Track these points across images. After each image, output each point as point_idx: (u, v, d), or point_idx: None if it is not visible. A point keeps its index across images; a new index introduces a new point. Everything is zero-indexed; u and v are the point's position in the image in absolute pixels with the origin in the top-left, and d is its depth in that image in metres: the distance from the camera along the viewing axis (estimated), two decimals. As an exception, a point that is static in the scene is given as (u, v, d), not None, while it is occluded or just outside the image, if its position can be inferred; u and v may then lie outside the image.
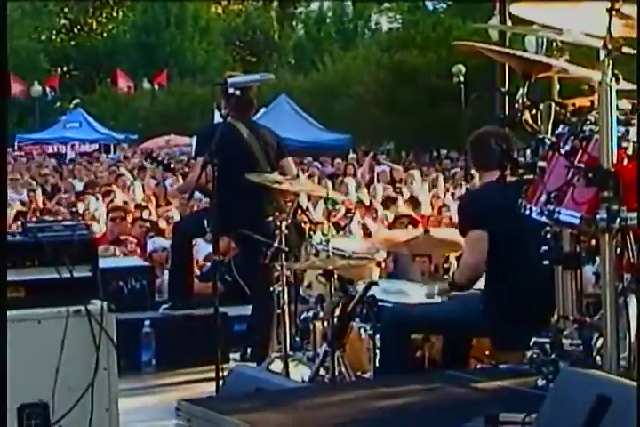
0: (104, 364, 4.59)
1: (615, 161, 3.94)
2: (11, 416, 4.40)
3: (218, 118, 8.32)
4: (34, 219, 11.95)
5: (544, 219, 4.16)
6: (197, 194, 8.80)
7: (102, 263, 4.92)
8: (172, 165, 8.71)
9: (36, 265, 4.63)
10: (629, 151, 3.97)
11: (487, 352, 5.62)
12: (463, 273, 5.61)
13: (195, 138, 10.56)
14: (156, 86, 51.98)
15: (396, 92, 35.84)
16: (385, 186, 16.70)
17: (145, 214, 12.89)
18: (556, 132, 4.27)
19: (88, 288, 4.70)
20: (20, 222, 9.39)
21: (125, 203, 14.18)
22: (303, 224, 7.63)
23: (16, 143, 39.26)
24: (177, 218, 11.42)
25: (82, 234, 4.79)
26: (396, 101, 35.44)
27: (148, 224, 11.66)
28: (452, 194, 15.74)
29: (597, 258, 4.28)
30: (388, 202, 13.76)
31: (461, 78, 29.42)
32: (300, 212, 7.39)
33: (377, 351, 5.81)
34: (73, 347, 4.56)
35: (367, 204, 13.69)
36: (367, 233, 10.73)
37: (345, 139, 34.54)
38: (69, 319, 4.59)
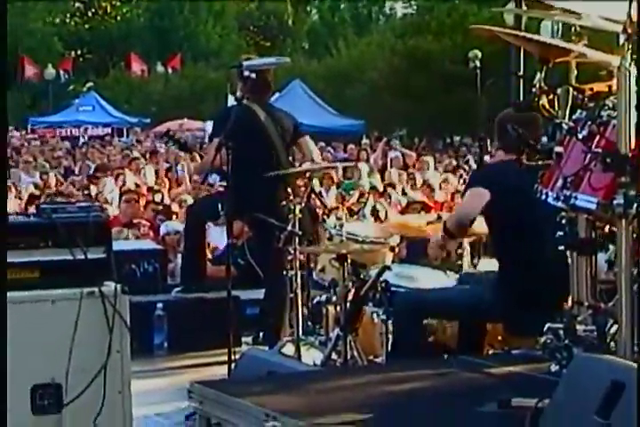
0: (117, 346, 4.59)
1: (633, 146, 3.91)
2: (24, 396, 4.41)
3: (232, 102, 8.28)
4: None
5: (560, 204, 4.14)
6: (212, 178, 8.79)
7: (115, 246, 4.90)
8: (187, 144, 8.65)
9: (51, 246, 4.62)
10: (647, 136, 3.95)
11: (500, 338, 5.61)
12: (451, 218, 5.64)
13: (208, 122, 10.56)
14: (170, 70, 51.97)
15: (410, 78, 35.76)
16: (399, 171, 16.69)
17: (157, 198, 12.90)
18: (574, 117, 4.25)
19: (102, 270, 4.69)
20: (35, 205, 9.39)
21: (138, 186, 14.19)
22: (317, 209, 7.62)
23: (29, 126, 39.31)
24: (190, 201, 11.43)
25: (96, 216, 4.77)
26: (410, 87, 35.36)
27: (160, 207, 11.68)
28: (465, 180, 15.71)
29: (610, 245, 4.26)
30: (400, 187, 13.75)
31: (477, 64, 29.31)
32: (313, 196, 7.38)
33: (389, 336, 5.81)
34: (86, 328, 4.55)
35: (380, 189, 13.68)
36: (380, 218, 10.73)
37: (358, 124, 34.49)
38: (83, 301, 4.58)
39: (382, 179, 15.80)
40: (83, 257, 4.63)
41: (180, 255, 9.12)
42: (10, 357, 4.21)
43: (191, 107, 39.36)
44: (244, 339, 7.61)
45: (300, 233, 6.31)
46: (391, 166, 18.01)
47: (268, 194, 7.07)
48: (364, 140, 28.80)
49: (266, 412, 3.94)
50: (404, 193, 13.78)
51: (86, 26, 59.66)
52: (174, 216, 11.31)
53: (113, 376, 4.57)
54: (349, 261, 5.91)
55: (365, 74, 39.61)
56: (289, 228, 6.34)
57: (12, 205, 12.01)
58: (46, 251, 4.61)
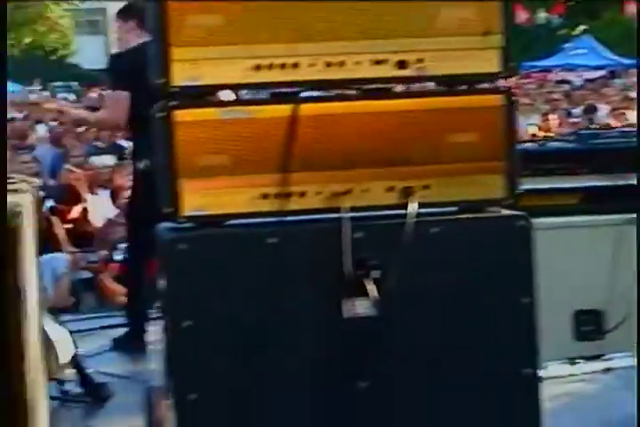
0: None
1: None
2: (566, 321, 4.43)
3: None
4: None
5: None
6: None
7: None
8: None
9: (589, 172, 4.58)
10: None
11: None
12: None
13: None
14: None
15: None
16: None
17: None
18: None
19: (636, 196, 4.57)
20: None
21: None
22: None
23: (523, 71, 39.48)
24: None
25: (628, 142, 4.65)
26: None
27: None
28: None
29: None
30: None
31: None
32: None
33: None
34: (625, 255, 4.47)
35: None
36: None
37: None
38: (621, 227, 4.50)
39: None
40: (622, 183, 4.54)
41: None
42: (551, 282, 4.23)
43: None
44: None
45: None
46: None
47: None
48: None
49: None
50: None
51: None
52: None
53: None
54: None
55: None
56: None
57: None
58: (585, 177, 4.58)
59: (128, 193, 7.99)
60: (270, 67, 3.05)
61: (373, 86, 3.15)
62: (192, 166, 3.02)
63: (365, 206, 3.13)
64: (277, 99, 3.08)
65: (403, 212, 3.09)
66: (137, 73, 5.48)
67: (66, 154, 12.50)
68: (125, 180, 8.94)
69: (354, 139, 3.11)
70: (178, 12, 2.98)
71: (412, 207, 3.08)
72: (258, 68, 3.04)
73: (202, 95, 3.07)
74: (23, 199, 2.59)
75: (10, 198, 2.58)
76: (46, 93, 26.37)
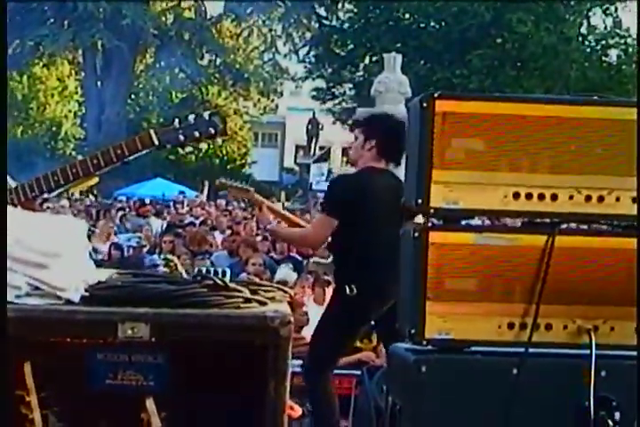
0: None
1: None
2: None
3: None
4: None
5: None
6: None
7: None
8: None
9: None
10: None
11: None
12: None
13: None
14: None
15: None
16: None
17: None
18: None
19: None
20: None
21: None
22: None
23: None
24: None
25: None
26: None
27: None
28: None
29: None
30: None
31: None
32: None
33: None
34: None
35: None
36: None
37: None
38: None
39: None
40: None
41: None
42: None
43: None
44: None
45: None
46: None
47: None
48: None
49: None
50: None
51: None
52: None
53: None
54: None
55: None
56: None
57: None
58: None
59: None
60: (529, 196, 3.03)
61: (628, 223, 3.10)
62: (439, 289, 3.00)
63: (611, 345, 3.04)
64: (534, 228, 3.06)
65: (650, 354, 2.99)
66: (354, 198, 5.54)
67: (243, 263, 12.69)
68: (304, 295, 8.94)
69: (606, 275, 3.05)
70: (443, 135, 3.01)
71: (662, 350, 2.97)
72: (516, 196, 3.03)
73: (458, 218, 3.07)
74: (285, 309, 2.60)
75: (274, 307, 2.60)
76: (220, 201, 27.03)
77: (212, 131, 3.25)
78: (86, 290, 2.59)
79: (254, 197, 7.70)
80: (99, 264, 3.30)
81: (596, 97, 3.17)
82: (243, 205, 26.69)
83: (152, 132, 3.28)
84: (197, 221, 18.44)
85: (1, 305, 2.39)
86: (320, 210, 5.87)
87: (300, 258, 12.11)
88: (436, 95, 3.01)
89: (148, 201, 22.72)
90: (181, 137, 3.25)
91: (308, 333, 7.71)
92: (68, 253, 2.57)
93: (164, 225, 18.00)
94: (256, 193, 7.25)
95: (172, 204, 24.55)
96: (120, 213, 20.00)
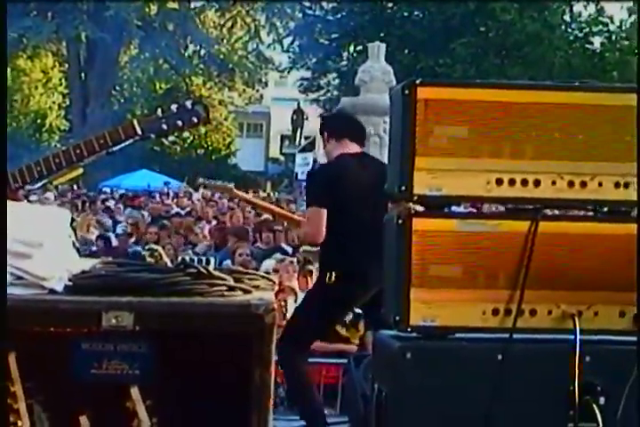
0: None
1: None
2: None
3: None
4: None
5: None
6: None
7: None
8: None
9: None
10: None
11: None
12: None
13: None
14: None
15: None
16: None
17: None
18: None
19: None
20: None
21: None
22: None
23: None
24: None
25: None
26: None
27: None
28: None
29: None
30: None
31: None
32: None
33: None
34: None
35: None
36: None
37: None
38: None
39: None
40: None
41: None
42: None
43: None
44: None
45: None
46: None
47: None
48: None
49: None
50: None
51: None
52: None
53: None
54: None
55: None
56: None
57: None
58: None
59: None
60: (511, 182, 3.04)
61: (613, 209, 3.11)
62: (423, 276, 3.01)
63: (595, 330, 3.05)
64: (517, 214, 3.06)
65: (634, 338, 3.00)
66: (334, 186, 5.59)
67: (230, 253, 12.67)
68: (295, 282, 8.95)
69: (589, 260, 3.06)
70: (425, 122, 3.01)
71: (647, 335, 2.99)
72: (499, 182, 3.04)
73: (441, 205, 3.07)
74: (269, 297, 2.60)
75: (258, 295, 2.60)
76: (205, 191, 26.98)
77: (195, 119, 3.24)
78: (70, 279, 2.59)
79: (235, 193, 7.71)
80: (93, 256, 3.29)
81: (577, 83, 3.18)
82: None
83: (135, 121, 3.27)
84: (183, 212, 18.41)
85: (1, 304, 2.38)
86: (308, 204, 5.87)
87: (288, 249, 12.09)
88: (418, 82, 3.01)
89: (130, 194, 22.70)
90: (164, 126, 3.24)
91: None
92: (52, 242, 2.57)
93: (147, 216, 17.98)
94: (235, 189, 7.27)
95: (157, 195, 24.52)
96: (109, 205, 19.98)
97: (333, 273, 5.54)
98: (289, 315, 8.04)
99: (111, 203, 21.11)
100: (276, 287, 7.92)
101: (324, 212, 5.56)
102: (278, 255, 10.35)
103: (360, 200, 5.53)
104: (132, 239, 13.46)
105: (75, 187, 25.41)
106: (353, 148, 5.76)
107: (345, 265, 5.54)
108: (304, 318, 5.72)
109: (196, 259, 2.74)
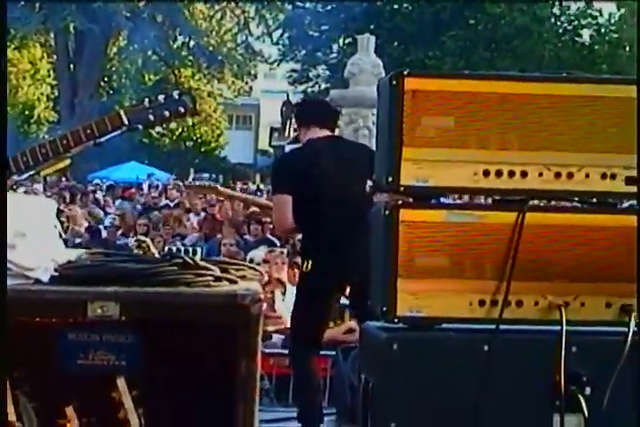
0: None
1: None
2: None
3: None
4: None
5: None
6: None
7: None
8: None
9: None
10: None
11: None
12: None
13: None
14: None
15: None
16: None
17: None
18: None
19: None
20: None
21: None
22: None
23: None
24: None
25: None
26: None
27: None
28: None
29: None
30: None
31: None
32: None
33: None
34: None
35: None
36: None
37: None
38: None
39: None
40: None
41: None
42: None
43: None
44: None
45: None
46: None
47: None
48: None
49: None
50: None
51: None
52: None
53: None
54: None
55: None
56: None
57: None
58: None
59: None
60: (499, 174, 3.04)
61: (600, 200, 3.11)
62: (410, 266, 3.01)
63: (582, 321, 3.06)
64: (504, 205, 3.06)
65: (620, 329, 3.01)
66: (300, 172, 5.55)
67: (218, 245, 12.67)
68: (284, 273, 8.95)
69: (575, 252, 3.06)
70: (412, 113, 3.00)
71: (632, 326, 2.99)
72: (486, 173, 3.04)
73: (428, 196, 3.07)
74: (256, 287, 2.60)
75: (244, 285, 2.60)
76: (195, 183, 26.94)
77: (182, 110, 3.23)
78: (55, 270, 2.58)
79: (222, 192, 7.72)
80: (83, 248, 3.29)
81: (564, 74, 3.18)
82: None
83: (122, 111, 3.26)
84: (172, 204, 18.40)
85: (1, 304, 2.38)
86: (272, 192, 5.86)
87: (275, 240, 12.09)
88: (405, 73, 3.01)
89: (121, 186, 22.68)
90: (151, 116, 3.23)
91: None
92: (37, 232, 2.56)
93: (140, 207, 17.96)
94: (221, 187, 7.30)
95: (146, 186, 24.49)
96: (98, 197, 19.96)
97: (310, 261, 5.52)
98: (277, 306, 8.06)
99: (100, 195, 21.08)
100: (266, 278, 7.95)
101: (288, 198, 5.50)
102: (263, 247, 10.35)
103: (333, 184, 5.49)
104: (120, 231, 13.45)
105: (63, 179, 25.37)
106: (322, 133, 5.72)
107: (320, 253, 5.50)
108: (298, 314, 5.70)
109: (182, 249, 2.73)
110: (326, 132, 5.73)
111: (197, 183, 7.94)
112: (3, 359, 2.36)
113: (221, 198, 20.33)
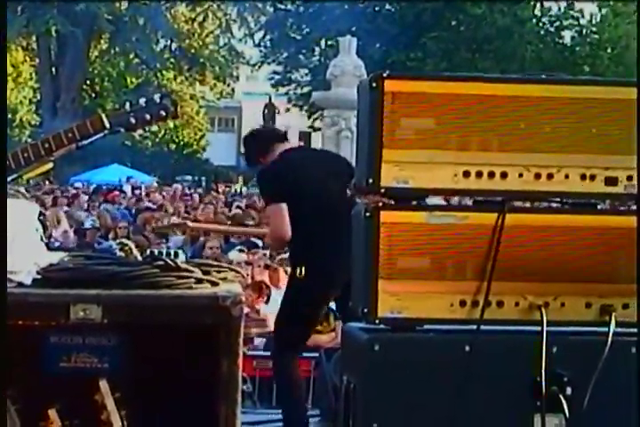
0: None
1: None
2: None
3: None
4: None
5: None
6: None
7: None
8: None
9: None
10: None
11: None
12: None
13: None
14: None
15: None
16: None
17: None
18: None
19: None
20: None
21: None
22: None
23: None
24: None
25: None
26: None
27: None
28: None
29: None
30: None
31: None
32: None
33: None
34: None
35: None
36: None
37: None
38: None
39: None
40: None
41: None
42: None
43: None
44: None
45: None
46: None
47: None
48: None
49: None
50: None
51: None
52: None
53: None
54: None
55: None
56: None
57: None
58: None
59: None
60: (479, 175, 3.06)
61: (580, 201, 3.13)
62: (391, 268, 3.02)
63: (562, 321, 3.08)
64: (484, 206, 3.08)
65: (600, 329, 3.03)
66: (285, 180, 5.58)
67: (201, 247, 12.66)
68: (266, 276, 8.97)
69: (556, 252, 3.08)
70: (392, 115, 3.02)
71: (612, 326, 3.01)
72: (466, 174, 3.05)
73: (409, 198, 3.08)
74: (237, 289, 2.61)
75: (226, 287, 2.61)
76: (177, 186, 26.98)
77: (163, 113, 3.24)
78: (38, 272, 2.58)
79: (193, 227, 7.69)
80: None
81: (544, 75, 3.20)
82: (200, 191, 26.65)
83: (103, 115, 3.27)
84: (154, 206, 18.37)
85: (1, 304, 2.38)
86: (266, 204, 5.85)
87: (257, 242, 12.09)
88: (385, 75, 3.02)
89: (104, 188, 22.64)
90: (132, 120, 3.24)
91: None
92: (19, 235, 2.57)
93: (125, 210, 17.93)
94: (191, 223, 7.31)
95: (129, 189, 24.45)
96: (82, 200, 19.91)
97: (303, 267, 5.54)
98: (260, 308, 8.08)
99: (84, 198, 21.03)
100: (249, 280, 7.93)
101: (284, 206, 5.52)
102: (239, 247, 10.38)
103: (319, 189, 5.52)
104: (99, 233, 13.42)
105: (47, 182, 25.30)
106: (288, 146, 5.77)
107: (312, 259, 5.53)
108: (286, 319, 5.70)
109: (164, 252, 2.74)
110: (290, 145, 5.79)
111: (165, 223, 7.94)
112: (2, 359, 2.36)
113: (205, 200, 20.36)
